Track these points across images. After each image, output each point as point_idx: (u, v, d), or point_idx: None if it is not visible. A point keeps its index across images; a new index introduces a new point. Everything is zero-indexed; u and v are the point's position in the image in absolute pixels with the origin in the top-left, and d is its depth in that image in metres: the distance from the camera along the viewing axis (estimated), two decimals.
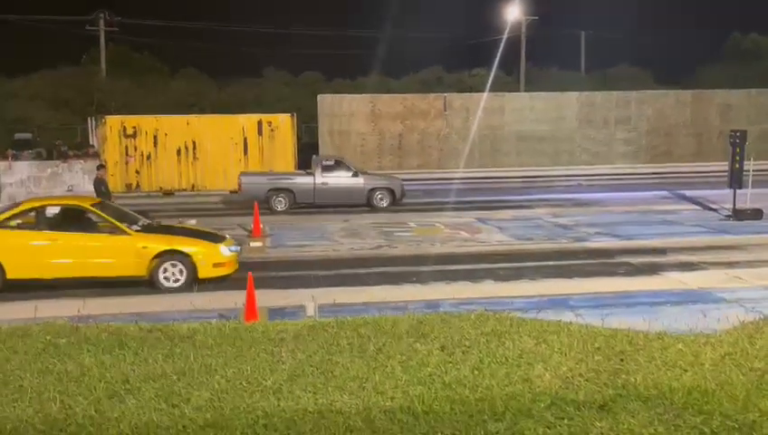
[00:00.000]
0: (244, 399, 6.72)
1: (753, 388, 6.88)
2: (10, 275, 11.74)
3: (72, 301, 11.00)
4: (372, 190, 22.02)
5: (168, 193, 26.27)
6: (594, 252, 14.99)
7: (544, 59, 53.00)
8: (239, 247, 13.07)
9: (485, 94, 35.26)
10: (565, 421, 6.20)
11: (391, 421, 6.24)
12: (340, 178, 21.97)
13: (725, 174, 19.89)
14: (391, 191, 22.14)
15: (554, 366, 7.46)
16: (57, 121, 40.67)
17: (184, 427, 6.17)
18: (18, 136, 35.26)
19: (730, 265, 13.60)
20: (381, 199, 22.00)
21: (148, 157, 26.20)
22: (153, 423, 6.23)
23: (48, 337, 8.55)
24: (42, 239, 11.97)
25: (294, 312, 10.22)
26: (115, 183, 24.22)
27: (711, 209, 20.72)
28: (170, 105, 40.13)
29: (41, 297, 11.22)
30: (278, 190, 21.77)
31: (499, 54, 45.22)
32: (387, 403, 6.60)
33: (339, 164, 22.49)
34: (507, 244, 16.21)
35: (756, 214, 18.68)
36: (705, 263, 13.73)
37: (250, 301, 9.54)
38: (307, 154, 26.19)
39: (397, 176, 24.25)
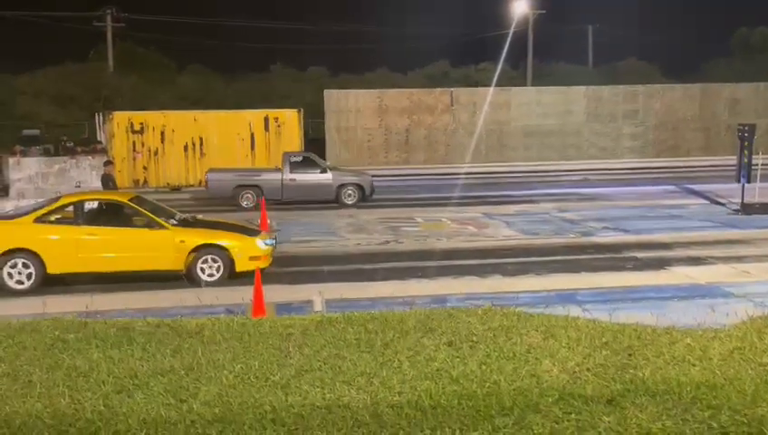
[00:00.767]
0: (251, 394, 6.73)
1: (762, 382, 6.87)
2: (51, 269, 11.77)
3: (80, 296, 11.04)
4: (341, 187, 21.83)
5: (176, 189, 26.34)
6: (601, 247, 14.96)
7: (551, 53, 53.01)
8: (274, 241, 13.11)
9: (492, 89, 35.17)
10: (573, 416, 6.20)
11: (399, 416, 6.24)
12: (308, 175, 21.82)
13: (733, 168, 19.83)
14: (360, 187, 21.93)
15: (562, 361, 7.46)
16: (64, 118, 40.81)
17: (192, 422, 6.19)
18: (26, 132, 35.45)
19: (738, 259, 13.54)
20: (350, 196, 21.80)
21: (156, 153, 26.26)
22: (161, 418, 6.26)
23: (57, 332, 8.59)
24: (82, 234, 11.98)
25: (302, 307, 10.22)
26: (122, 179, 24.30)
27: (719, 204, 20.64)
28: (177, 101, 40.29)
29: (49, 293, 11.27)
30: (245, 187, 21.70)
31: (506, 49, 45.19)
32: (394, 398, 6.61)
33: (307, 160, 22.29)
34: (514, 239, 16.18)
35: (765, 208, 18.59)
36: (713, 257, 13.68)
37: (257, 296, 9.55)
38: (314, 150, 26.21)
39: (367, 172, 24.07)
